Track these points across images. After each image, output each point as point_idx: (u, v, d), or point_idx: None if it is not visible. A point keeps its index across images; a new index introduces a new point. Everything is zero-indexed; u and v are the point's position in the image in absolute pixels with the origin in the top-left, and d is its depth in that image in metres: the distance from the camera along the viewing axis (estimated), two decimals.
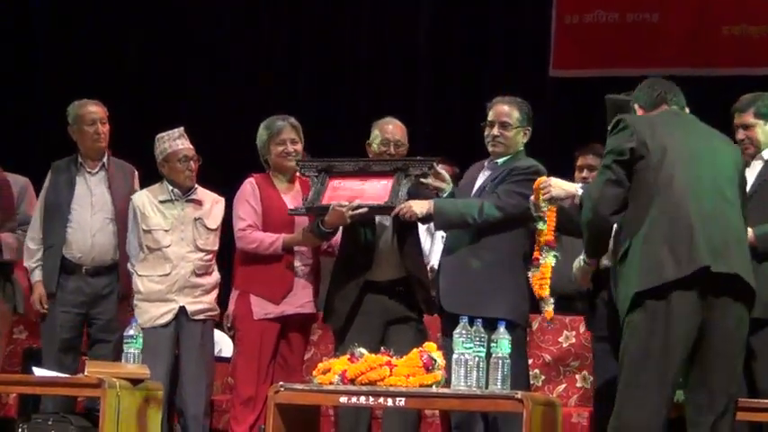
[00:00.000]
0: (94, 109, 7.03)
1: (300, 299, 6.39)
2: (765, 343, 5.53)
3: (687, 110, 5.20)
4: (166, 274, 6.63)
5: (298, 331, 6.45)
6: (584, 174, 6.67)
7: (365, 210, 6.08)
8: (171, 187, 6.76)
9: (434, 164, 6.17)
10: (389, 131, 6.36)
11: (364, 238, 6.25)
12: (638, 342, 4.77)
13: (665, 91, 5.16)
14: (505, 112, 6.14)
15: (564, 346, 7.00)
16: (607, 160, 4.97)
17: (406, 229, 6.25)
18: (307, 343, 6.66)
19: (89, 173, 7.01)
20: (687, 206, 4.81)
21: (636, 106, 5.20)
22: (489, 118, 6.17)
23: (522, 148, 6.18)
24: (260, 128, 6.54)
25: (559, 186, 5.56)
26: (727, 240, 4.83)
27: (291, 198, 6.45)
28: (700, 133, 5.06)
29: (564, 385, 6.97)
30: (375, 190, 6.16)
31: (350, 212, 6.06)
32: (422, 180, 6.13)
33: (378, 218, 6.25)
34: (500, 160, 6.15)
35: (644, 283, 4.77)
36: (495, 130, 6.12)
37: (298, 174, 6.47)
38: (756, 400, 5.35)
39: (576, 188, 5.53)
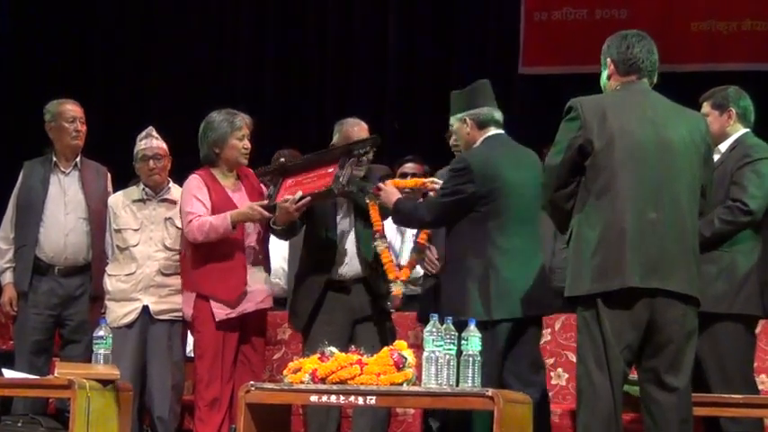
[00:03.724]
0: (74, 107, 7.04)
1: (258, 295, 6.35)
2: (711, 340, 5.55)
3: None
4: (131, 273, 6.61)
5: (256, 326, 6.41)
6: None
7: (308, 199, 6.08)
8: (143, 187, 6.75)
9: (376, 140, 6.21)
10: (356, 133, 6.37)
11: (327, 236, 6.26)
12: (581, 341, 4.84)
13: (642, 59, 4.98)
14: (449, 120, 6.09)
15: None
16: (556, 156, 4.91)
17: (369, 226, 6.26)
18: (265, 336, 6.59)
19: (63, 173, 7.00)
20: (626, 215, 4.75)
21: (608, 60, 5.04)
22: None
23: (480, 139, 6.07)
24: (214, 120, 6.37)
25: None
26: (669, 252, 4.76)
27: (239, 199, 6.37)
28: (659, 119, 4.89)
29: None
30: (322, 178, 6.18)
31: (293, 206, 6.06)
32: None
33: (339, 217, 6.29)
34: None
35: (570, 289, 4.85)
36: (452, 141, 6.26)
37: (258, 180, 6.46)
38: (707, 395, 5.39)
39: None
